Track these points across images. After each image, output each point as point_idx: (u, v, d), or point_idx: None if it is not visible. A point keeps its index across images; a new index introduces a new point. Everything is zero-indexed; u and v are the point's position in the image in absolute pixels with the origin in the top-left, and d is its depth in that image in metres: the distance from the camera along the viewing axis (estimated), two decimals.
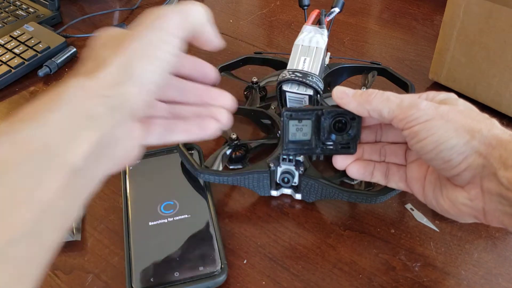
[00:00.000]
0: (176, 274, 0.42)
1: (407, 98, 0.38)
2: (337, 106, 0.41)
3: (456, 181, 0.37)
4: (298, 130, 0.42)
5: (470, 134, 0.35)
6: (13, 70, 0.67)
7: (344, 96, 0.40)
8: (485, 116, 0.37)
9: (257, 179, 0.48)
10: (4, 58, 0.69)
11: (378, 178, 0.43)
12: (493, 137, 0.35)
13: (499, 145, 0.34)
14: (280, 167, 0.47)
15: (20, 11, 0.80)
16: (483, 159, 0.34)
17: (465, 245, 0.45)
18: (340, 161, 0.43)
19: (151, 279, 0.41)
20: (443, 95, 0.39)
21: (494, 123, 0.36)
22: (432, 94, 0.40)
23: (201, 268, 0.42)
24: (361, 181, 0.49)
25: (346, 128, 0.41)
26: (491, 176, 0.34)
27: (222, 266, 0.42)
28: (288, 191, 0.50)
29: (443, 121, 0.35)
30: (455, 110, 0.36)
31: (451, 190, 0.38)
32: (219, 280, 0.41)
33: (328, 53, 0.59)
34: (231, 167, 0.52)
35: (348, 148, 0.42)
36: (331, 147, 0.42)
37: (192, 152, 0.53)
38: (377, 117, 0.39)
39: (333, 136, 0.42)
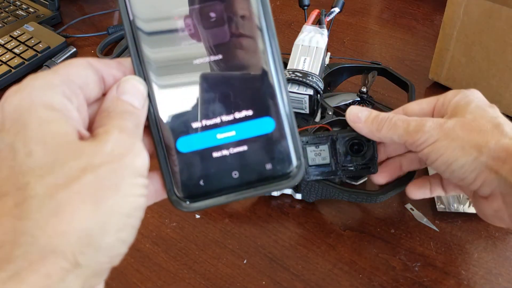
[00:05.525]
0: (235, 174, 0.28)
1: (413, 121, 0.37)
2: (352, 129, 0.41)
3: (479, 193, 0.37)
4: (317, 155, 0.43)
5: (477, 149, 0.34)
6: (13, 70, 0.67)
7: (357, 120, 0.40)
8: (495, 121, 0.36)
9: None
10: (4, 58, 0.69)
11: (438, 191, 0.43)
12: (502, 150, 0.34)
13: (509, 157, 0.33)
14: None
15: (20, 11, 0.80)
16: (495, 174, 0.34)
17: (465, 245, 0.45)
18: (377, 178, 0.43)
19: (201, 182, 0.28)
20: (457, 98, 0.38)
21: (503, 130, 0.35)
22: (449, 96, 0.39)
23: (268, 166, 0.28)
24: (364, 181, 0.49)
25: (363, 150, 0.42)
26: (510, 190, 0.34)
27: (299, 162, 0.28)
28: (288, 191, 0.49)
29: (449, 141, 0.35)
30: (461, 124, 0.36)
31: (477, 201, 0.38)
32: (293, 182, 0.28)
33: (328, 53, 0.59)
34: None
35: (368, 168, 0.43)
36: (351, 168, 0.43)
37: None
38: (389, 142, 0.39)
39: (350, 157, 0.42)
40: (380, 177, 0.43)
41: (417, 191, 0.43)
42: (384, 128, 0.38)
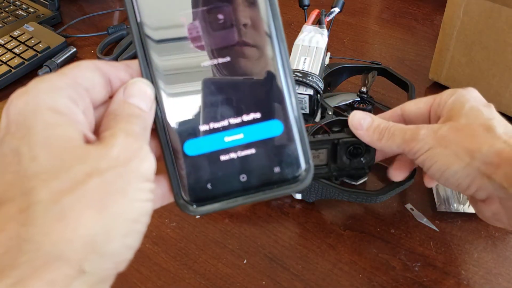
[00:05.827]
0: (243, 177, 0.27)
1: (409, 130, 0.38)
2: (352, 132, 0.41)
3: (476, 197, 0.37)
4: (315, 157, 0.43)
5: (469, 155, 0.34)
6: (13, 70, 0.67)
7: (359, 128, 0.40)
8: (488, 124, 0.35)
9: None
10: (4, 58, 0.69)
11: None
12: (494, 155, 0.33)
13: (503, 163, 0.33)
14: None
15: (20, 11, 0.80)
16: (488, 180, 0.34)
17: (465, 245, 0.45)
18: (395, 175, 0.44)
19: (208, 186, 0.27)
20: (453, 98, 0.38)
21: (495, 133, 0.34)
22: (444, 97, 0.39)
23: (276, 170, 0.27)
24: (364, 181, 0.49)
25: (361, 154, 0.43)
26: (505, 195, 0.34)
27: (307, 166, 0.27)
28: None
29: (442, 148, 0.35)
30: (454, 130, 0.35)
31: (475, 203, 0.38)
32: (302, 186, 0.27)
33: (328, 53, 0.59)
34: None
35: (363, 169, 0.44)
36: (347, 169, 0.44)
37: None
38: (389, 151, 0.40)
39: (348, 161, 0.43)
40: (398, 174, 0.44)
41: (433, 180, 0.43)
42: (384, 138, 0.39)
